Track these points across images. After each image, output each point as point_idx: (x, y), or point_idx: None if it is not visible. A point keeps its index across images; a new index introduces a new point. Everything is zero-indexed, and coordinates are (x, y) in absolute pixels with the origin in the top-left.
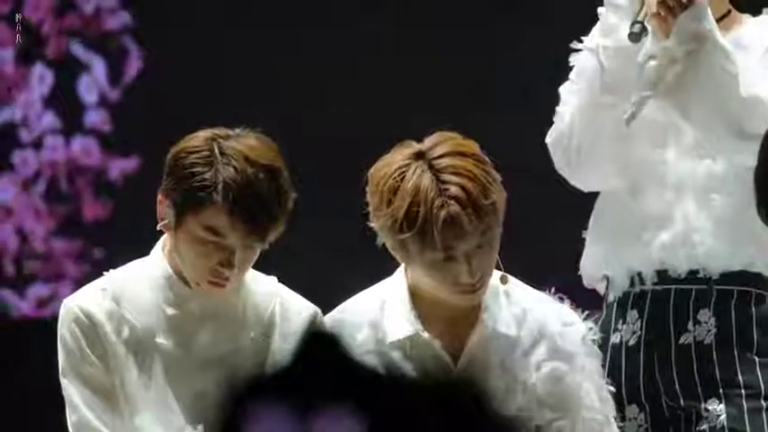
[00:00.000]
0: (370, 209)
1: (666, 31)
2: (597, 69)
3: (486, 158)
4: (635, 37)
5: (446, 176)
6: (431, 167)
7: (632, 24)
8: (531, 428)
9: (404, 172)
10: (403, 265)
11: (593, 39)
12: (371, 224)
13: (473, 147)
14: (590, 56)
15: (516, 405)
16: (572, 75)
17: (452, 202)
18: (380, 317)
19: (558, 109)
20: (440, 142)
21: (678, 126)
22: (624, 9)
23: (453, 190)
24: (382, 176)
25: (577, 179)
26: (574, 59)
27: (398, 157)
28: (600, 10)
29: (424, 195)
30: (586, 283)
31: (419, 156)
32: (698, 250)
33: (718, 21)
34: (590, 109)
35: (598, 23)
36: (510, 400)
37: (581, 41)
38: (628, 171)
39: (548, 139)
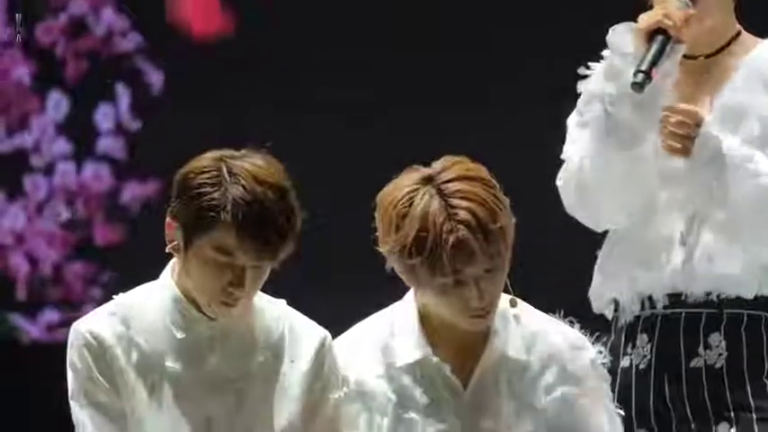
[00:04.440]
0: (379, 234)
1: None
2: (603, 115)
3: (495, 182)
4: (638, 87)
5: (455, 201)
6: (439, 192)
7: (635, 73)
8: None
9: (412, 197)
10: (412, 289)
11: (598, 83)
12: (380, 249)
13: (482, 171)
14: (595, 99)
15: (526, 430)
16: (578, 105)
17: (461, 227)
18: (390, 341)
19: (565, 148)
20: (448, 166)
21: None
22: (630, 55)
23: (462, 215)
24: (390, 201)
25: (589, 220)
26: (581, 87)
27: (407, 181)
28: (604, 53)
29: (433, 220)
30: (595, 307)
31: (428, 180)
32: (711, 274)
33: (726, 45)
34: (598, 152)
35: (602, 66)
36: (519, 424)
37: (588, 67)
38: (642, 207)
39: (558, 182)
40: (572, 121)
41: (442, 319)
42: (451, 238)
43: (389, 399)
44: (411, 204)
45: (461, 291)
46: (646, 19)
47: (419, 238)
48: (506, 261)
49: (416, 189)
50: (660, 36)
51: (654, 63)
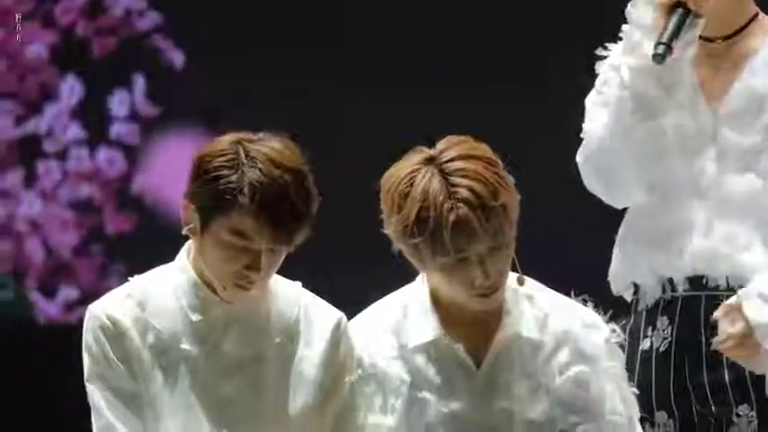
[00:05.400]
0: (383, 215)
1: None
2: (621, 87)
3: (498, 161)
4: (659, 59)
5: (455, 179)
6: (440, 171)
7: (656, 45)
8: None
9: (414, 177)
10: None
11: (617, 56)
12: (385, 231)
13: (484, 149)
14: (614, 72)
15: (540, 409)
16: (597, 84)
17: (461, 204)
18: (403, 322)
19: (584, 126)
20: (450, 146)
21: (716, 134)
22: (649, 28)
23: (462, 193)
24: (393, 182)
25: (610, 197)
26: (599, 67)
27: (409, 162)
28: (624, 27)
29: (433, 199)
30: (614, 289)
31: (429, 160)
32: (731, 259)
33: (744, 26)
34: (618, 129)
35: (622, 41)
36: (534, 404)
37: (606, 48)
38: (661, 185)
39: (578, 159)
40: (590, 99)
41: (453, 299)
42: (452, 217)
43: (403, 380)
44: (412, 184)
45: (465, 269)
46: None
47: (420, 217)
48: (511, 239)
49: (418, 169)
50: (680, 9)
51: (674, 36)
